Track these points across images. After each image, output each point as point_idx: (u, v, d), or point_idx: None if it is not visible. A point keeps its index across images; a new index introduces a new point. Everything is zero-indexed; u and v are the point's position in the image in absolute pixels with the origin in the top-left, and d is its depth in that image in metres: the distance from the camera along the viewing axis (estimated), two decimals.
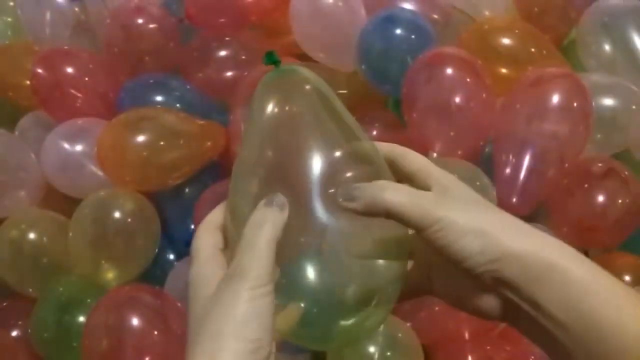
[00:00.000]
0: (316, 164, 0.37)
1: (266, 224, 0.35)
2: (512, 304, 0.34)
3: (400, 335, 0.74)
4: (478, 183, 0.73)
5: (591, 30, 0.87)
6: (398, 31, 0.81)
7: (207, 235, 0.38)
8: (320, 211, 0.36)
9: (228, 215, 0.38)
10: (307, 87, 0.39)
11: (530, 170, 0.74)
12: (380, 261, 0.38)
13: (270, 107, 0.39)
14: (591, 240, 0.79)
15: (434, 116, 0.76)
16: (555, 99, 0.75)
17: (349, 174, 0.38)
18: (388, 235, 0.38)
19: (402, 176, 0.39)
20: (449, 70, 0.76)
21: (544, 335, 0.33)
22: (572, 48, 0.93)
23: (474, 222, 0.34)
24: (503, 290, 0.34)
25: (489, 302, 0.35)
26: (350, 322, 0.37)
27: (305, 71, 0.39)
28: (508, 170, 0.75)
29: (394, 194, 0.35)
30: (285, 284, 0.35)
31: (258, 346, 0.32)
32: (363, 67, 0.85)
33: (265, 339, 0.32)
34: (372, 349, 0.72)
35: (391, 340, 0.73)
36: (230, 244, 0.38)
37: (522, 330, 0.35)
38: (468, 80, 0.76)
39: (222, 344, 0.31)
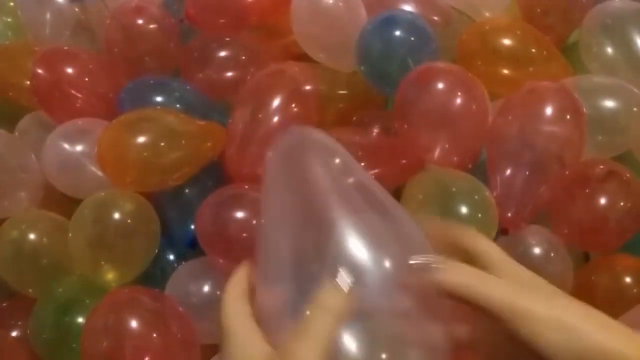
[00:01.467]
0: None
1: (324, 311, 0.33)
2: None
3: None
4: (477, 197, 0.72)
5: (594, 32, 0.87)
6: (397, 33, 0.81)
7: (238, 306, 0.37)
8: None
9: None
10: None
11: (525, 184, 0.74)
12: None
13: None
14: (592, 243, 0.78)
15: (426, 127, 0.76)
16: (548, 112, 0.74)
17: None
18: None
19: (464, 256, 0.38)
20: (440, 84, 0.76)
21: None
22: (574, 49, 0.93)
23: (557, 314, 0.33)
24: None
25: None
26: None
27: None
28: (503, 186, 0.75)
29: (476, 281, 0.34)
30: None
31: None
32: (362, 68, 0.85)
33: None
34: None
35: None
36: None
37: None
38: (459, 92, 0.76)
39: None
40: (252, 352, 0.34)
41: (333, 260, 0.35)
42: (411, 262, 0.35)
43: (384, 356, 0.34)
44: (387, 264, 0.35)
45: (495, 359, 0.38)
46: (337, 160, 0.39)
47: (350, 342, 0.33)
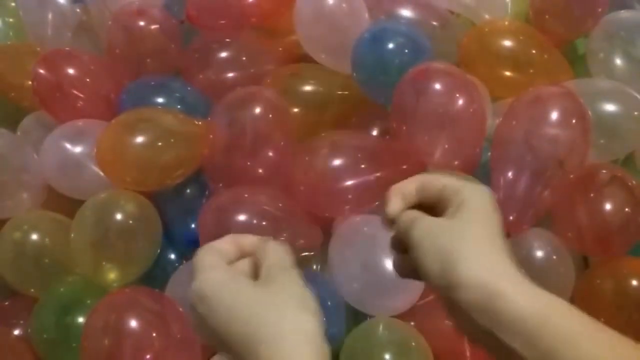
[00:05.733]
0: None
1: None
2: (475, 330, 0.34)
3: (413, 343, 0.75)
4: None
5: (601, 40, 0.88)
6: (391, 46, 0.82)
7: (209, 252, 0.39)
8: None
9: None
10: None
11: (528, 188, 0.74)
12: None
13: None
14: (596, 248, 0.78)
15: (425, 129, 0.76)
16: (554, 116, 0.74)
17: None
18: None
19: (433, 200, 0.41)
20: (437, 84, 0.76)
21: None
22: (575, 51, 0.93)
23: (442, 244, 0.35)
24: (465, 316, 0.34)
25: (460, 322, 0.35)
26: None
27: None
28: (506, 189, 0.75)
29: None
30: None
31: (320, 318, 0.35)
32: (356, 76, 0.85)
33: (320, 314, 0.35)
34: (385, 357, 0.72)
35: (404, 348, 0.74)
36: None
37: (493, 357, 0.35)
38: (456, 92, 0.76)
39: (296, 317, 0.34)
40: (225, 276, 0.37)
41: None
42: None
43: None
44: None
45: None
46: None
47: None
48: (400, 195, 0.41)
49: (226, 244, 0.41)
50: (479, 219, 0.37)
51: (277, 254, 0.38)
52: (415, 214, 0.39)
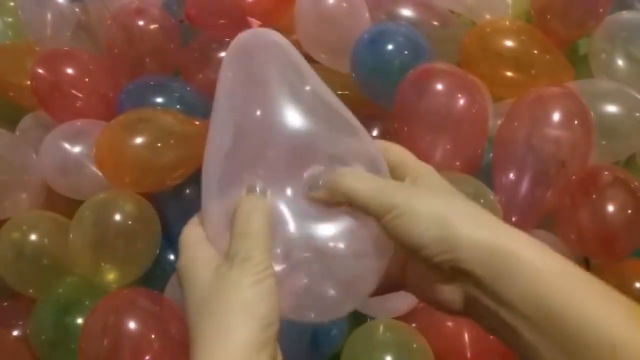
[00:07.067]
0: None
1: (255, 211, 0.35)
2: (472, 297, 0.33)
3: (414, 345, 0.74)
4: (481, 200, 0.72)
5: (603, 41, 0.88)
6: (390, 47, 0.81)
7: (192, 228, 0.38)
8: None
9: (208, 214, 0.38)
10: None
11: (530, 189, 0.73)
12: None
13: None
14: (598, 251, 0.78)
15: (427, 130, 0.76)
16: (556, 117, 0.74)
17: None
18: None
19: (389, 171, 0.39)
20: (439, 85, 0.76)
21: (507, 328, 0.32)
22: (577, 52, 0.92)
23: (433, 209, 0.33)
24: (462, 282, 0.33)
25: (450, 294, 0.34)
26: None
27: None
28: (508, 191, 0.74)
29: (354, 180, 0.35)
30: None
31: (268, 323, 0.32)
32: (356, 79, 0.85)
33: (274, 317, 0.33)
34: (386, 358, 0.72)
35: (405, 349, 0.74)
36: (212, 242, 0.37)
37: (485, 324, 0.34)
38: (458, 92, 0.76)
39: (232, 323, 0.32)
40: (200, 256, 0.35)
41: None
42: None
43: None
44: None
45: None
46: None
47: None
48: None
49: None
50: (448, 187, 0.37)
51: (243, 241, 0.35)
52: (381, 183, 0.36)
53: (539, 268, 0.31)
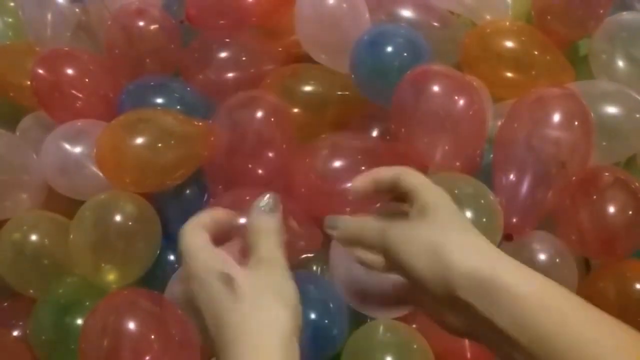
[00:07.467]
0: None
1: (271, 232, 0.39)
2: (472, 323, 0.34)
3: (414, 345, 0.74)
4: (482, 201, 0.72)
5: (604, 42, 0.88)
6: (389, 49, 0.81)
7: (194, 233, 0.39)
8: None
9: None
10: None
11: (531, 190, 0.73)
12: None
13: None
14: (599, 251, 0.78)
15: (424, 131, 0.76)
16: (557, 118, 0.74)
17: None
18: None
19: (404, 196, 0.41)
20: (437, 86, 0.76)
21: (506, 356, 0.33)
22: (577, 53, 0.92)
23: (425, 240, 0.35)
24: (462, 309, 0.34)
25: (453, 319, 0.35)
26: None
27: None
28: (508, 191, 0.74)
29: (354, 223, 0.40)
30: None
31: (299, 312, 0.36)
32: (355, 81, 0.85)
33: (300, 307, 0.37)
34: (387, 359, 0.72)
35: (405, 350, 0.74)
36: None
37: (491, 348, 0.35)
38: (455, 94, 0.76)
39: (272, 312, 0.35)
40: (215, 256, 0.38)
41: None
42: None
43: None
44: None
45: None
46: None
47: None
48: (372, 177, 0.42)
49: (216, 219, 0.42)
50: (453, 216, 0.38)
51: (267, 242, 0.38)
52: (383, 224, 0.39)
53: (521, 293, 0.32)
